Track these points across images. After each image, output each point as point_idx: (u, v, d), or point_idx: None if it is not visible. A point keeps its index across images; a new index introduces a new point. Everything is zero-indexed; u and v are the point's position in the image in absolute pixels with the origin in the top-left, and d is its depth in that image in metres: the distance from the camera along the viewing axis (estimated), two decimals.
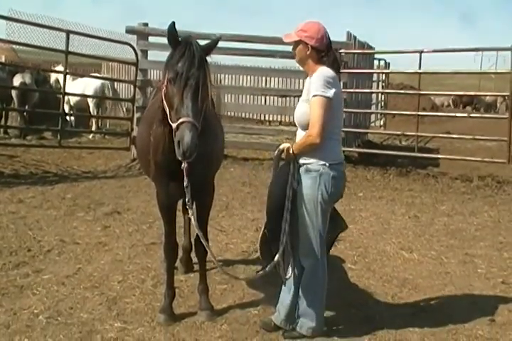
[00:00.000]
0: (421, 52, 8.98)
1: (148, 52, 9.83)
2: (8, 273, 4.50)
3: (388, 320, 3.82)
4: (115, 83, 13.93)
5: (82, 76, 12.75)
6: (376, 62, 14.57)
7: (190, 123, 3.01)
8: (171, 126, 3.15)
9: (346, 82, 9.29)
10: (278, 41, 7.23)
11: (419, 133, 9.52)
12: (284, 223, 3.39)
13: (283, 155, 3.49)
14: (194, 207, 3.56)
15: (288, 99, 13.33)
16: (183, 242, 4.65)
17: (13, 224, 5.81)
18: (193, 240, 4.14)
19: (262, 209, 4.33)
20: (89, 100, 12.24)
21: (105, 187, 7.81)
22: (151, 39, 9.80)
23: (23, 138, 11.41)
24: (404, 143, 13.38)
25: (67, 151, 9.92)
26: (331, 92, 3.28)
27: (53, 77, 12.97)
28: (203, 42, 3.28)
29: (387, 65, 16.11)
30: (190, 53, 3.13)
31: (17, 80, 11.70)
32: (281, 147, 3.47)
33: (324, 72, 3.35)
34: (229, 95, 15.21)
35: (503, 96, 16.54)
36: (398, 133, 10.73)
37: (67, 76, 9.41)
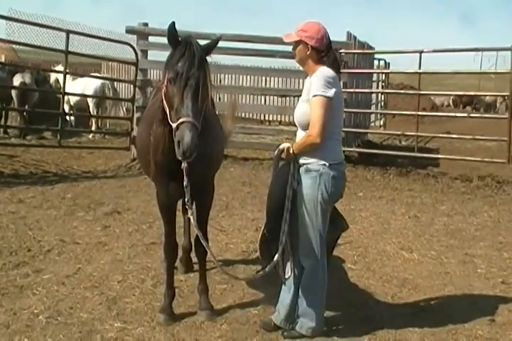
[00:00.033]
0: (421, 52, 8.98)
1: (148, 52, 9.83)
2: (8, 273, 4.50)
3: (388, 320, 3.83)
4: (115, 83, 13.93)
5: (82, 76, 12.74)
6: (376, 62, 14.57)
7: (190, 123, 3.01)
8: (171, 126, 3.15)
9: (346, 82, 9.29)
10: (278, 41, 7.25)
11: (419, 133, 9.53)
12: (284, 223, 3.39)
13: (283, 155, 3.49)
14: (194, 207, 3.56)
15: (288, 98, 13.36)
16: (183, 242, 4.65)
17: (13, 224, 5.81)
18: (192, 240, 4.14)
19: (261, 209, 4.34)
20: (89, 100, 12.24)
21: (105, 187, 7.81)
22: (151, 39, 9.79)
23: (22, 138, 11.40)
24: (404, 143, 13.38)
25: (67, 151, 9.92)
26: (331, 92, 3.28)
27: (53, 76, 12.96)
28: (203, 42, 3.28)
29: (387, 65, 16.11)
30: (190, 53, 3.13)
31: (17, 80, 11.69)
32: (281, 147, 3.47)
33: (324, 72, 3.35)
34: (229, 95, 15.20)
35: (503, 96, 16.52)
36: (398, 133, 10.74)
37: (67, 76, 9.41)
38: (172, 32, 3.17)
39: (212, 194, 3.89)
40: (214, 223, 5.74)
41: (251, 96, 16.19)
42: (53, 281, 4.34)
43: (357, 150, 10.47)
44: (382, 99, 16.73)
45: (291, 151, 3.40)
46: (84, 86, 11.89)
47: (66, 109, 11.42)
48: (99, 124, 13.28)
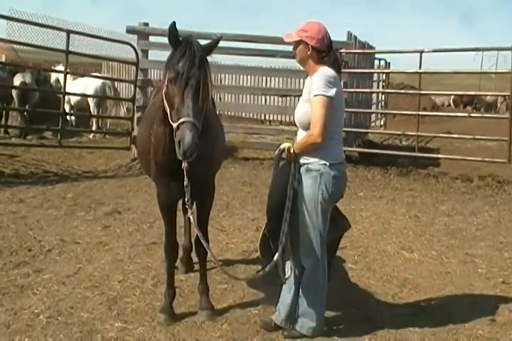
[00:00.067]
0: (421, 52, 8.97)
1: (149, 51, 9.83)
2: (8, 272, 4.51)
3: (388, 320, 3.83)
4: (116, 83, 13.93)
5: (82, 76, 12.73)
6: (376, 62, 14.55)
7: (191, 123, 3.01)
8: (171, 125, 3.15)
9: (347, 82, 9.28)
10: (279, 41, 7.24)
11: (419, 133, 9.52)
12: (284, 223, 3.39)
13: (284, 155, 3.49)
14: (194, 206, 3.56)
15: (288, 98, 13.35)
16: (183, 242, 4.66)
17: (13, 223, 5.81)
18: (193, 240, 4.14)
19: (262, 208, 4.34)
20: (90, 100, 12.24)
21: (106, 186, 7.82)
22: (151, 39, 9.79)
23: (23, 138, 11.41)
24: (404, 142, 13.37)
25: (67, 151, 9.92)
26: (332, 92, 3.28)
27: (54, 76, 12.97)
28: (203, 42, 3.28)
29: (387, 64, 16.10)
30: (190, 53, 3.13)
31: (17, 80, 11.69)
32: (281, 147, 3.47)
33: (325, 71, 3.35)
34: (229, 95, 15.23)
35: (504, 96, 16.54)
36: (399, 133, 10.73)
37: (68, 75, 9.42)
38: (173, 32, 3.17)
39: (213, 194, 3.89)
40: (214, 223, 5.74)
41: (251, 96, 16.18)
42: (54, 281, 4.34)
43: (357, 150, 10.46)
44: (383, 98, 16.72)
45: (291, 151, 3.40)
46: (84, 86, 11.90)
47: (67, 108, 11.42)
48: (100, 124, 13.29)
